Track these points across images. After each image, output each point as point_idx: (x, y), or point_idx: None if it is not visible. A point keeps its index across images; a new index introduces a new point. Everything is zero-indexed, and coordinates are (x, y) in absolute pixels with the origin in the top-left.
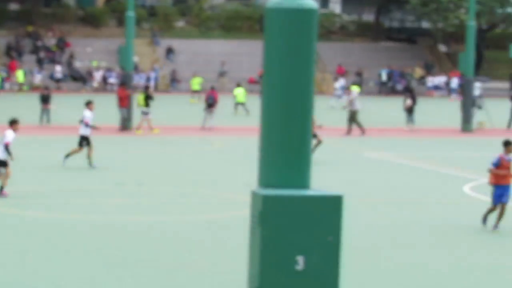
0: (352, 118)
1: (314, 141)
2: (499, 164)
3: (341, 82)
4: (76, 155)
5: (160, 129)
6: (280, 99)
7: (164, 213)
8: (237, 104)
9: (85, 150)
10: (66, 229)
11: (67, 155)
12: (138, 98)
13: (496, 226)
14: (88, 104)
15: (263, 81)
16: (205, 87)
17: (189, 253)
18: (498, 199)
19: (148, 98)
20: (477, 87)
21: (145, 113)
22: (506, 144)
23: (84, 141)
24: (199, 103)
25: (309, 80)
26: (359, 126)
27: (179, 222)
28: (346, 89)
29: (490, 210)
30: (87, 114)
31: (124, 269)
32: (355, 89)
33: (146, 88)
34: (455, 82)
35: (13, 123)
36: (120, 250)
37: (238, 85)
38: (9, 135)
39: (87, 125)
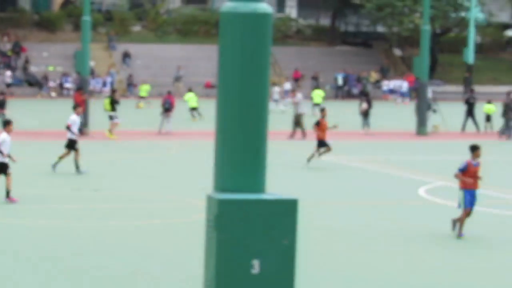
0: (297, 121)
1: (323, 149)
2: (466, 170)
3: (286, 86)
4: (80, 158)
5: (117, 134)
6: (235, 103)
7: (120, 219)
8: (191, 109)
9: (64, 151)
10: (19, 234)
11: (77, 167)
12: (104, 103)
13: (454, 227)
14: (76, 108)
15: (218, 85)
16: (161, 92)
17: (145, 259)
18: (470, 203)
19: (114, 103)
20: (429, 91)
21: (112, 118)
22: (473, 148)
23: (74, 144)
24: (149, 108)
25: (264, 84)
26: (302, 129)
27: (135, 227)
28: (291, 92)
29: (466, 215)
30: (73, 118)
31: (77, 275)
32: (318, 93)
33: (113, 92)
34: (405, 86)
35: (5, 124)
36: (74, 256)
37: (190, 90)
38: (1, 136)
39: (68, 128)
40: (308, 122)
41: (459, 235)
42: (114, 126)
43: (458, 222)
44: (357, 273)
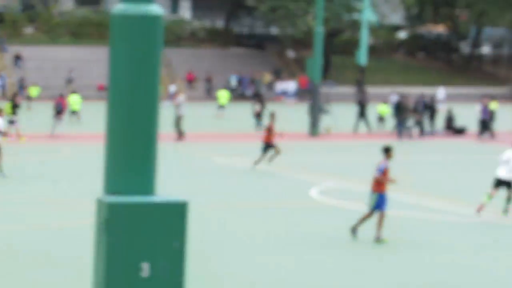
0: (177, 122)
1: (272, 151)
2: (383, 172)
3: (172, 88)
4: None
5: (10, 136)
6: (125, 106)
7: (9, 223)
8: (72, 112)
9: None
10: None
11: None
12: (5, 106)
13: (378, 237)
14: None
15: (108, 87)
16: (53, 94)
17: (36, 263)
18: (379, 206)
19: (15, 107)
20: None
21: (12, 122)
22: (387, 150)
23: None
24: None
25: (155, 86)
26: (180, 131)
27: (26, 231)
28: (174, 94)
29: (365, 218)
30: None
31: None
32: (223, 94)
33: (14, 96)
34: (291, 86)
35: None
36: None
37: (73, 91)
38: None
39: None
40: (212, 123)
41: (378, 238)
42: (17, 130)
43: (377, 227)
44: (248, 276)
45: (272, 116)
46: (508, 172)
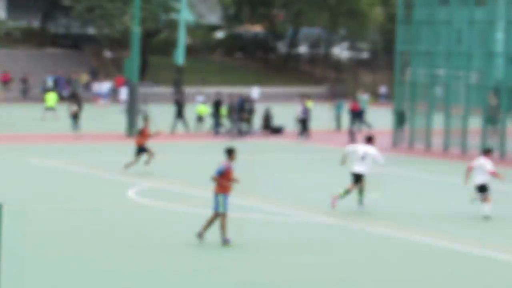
0: None
1: (146, 155)
2: (224, 173)
3: None
4: None
5: None
6: None
7: None
8: None
9: None
10: None
11: None
12: None
13: (225, 240)
14: None
15: None
16: None
17: None
18: (226, 207)
19: None
20: (123, 93)
21: None
22: (230, 151)
23: None
24: None
25: None
26: None
27: None
28: None
29: (223, 222)
30: None
31: None
32: (51, 97)
33: None
34: (105, 86)
35: None
36: None
37: None
38: None
39: None
40: (27, 124)
41: (226, 242)
42: None
43: (222, 230)
44: (68, 278)
45: (146, 119)
46: (364, 166)
